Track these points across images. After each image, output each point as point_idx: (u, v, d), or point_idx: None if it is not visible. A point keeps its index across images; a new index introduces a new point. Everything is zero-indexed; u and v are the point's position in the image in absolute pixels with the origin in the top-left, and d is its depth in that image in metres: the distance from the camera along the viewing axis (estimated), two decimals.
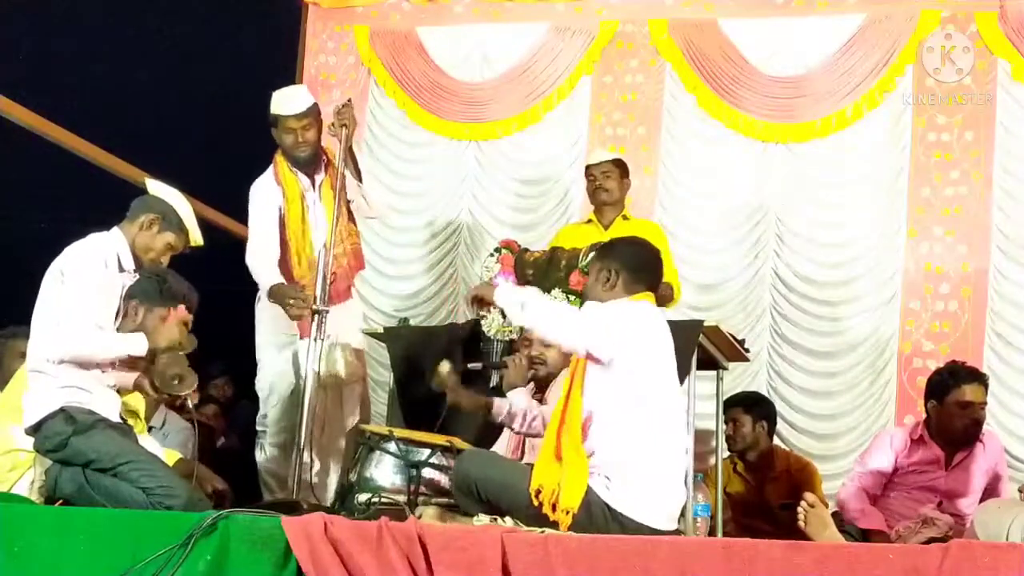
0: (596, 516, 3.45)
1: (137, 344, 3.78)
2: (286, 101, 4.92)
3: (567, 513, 3.42)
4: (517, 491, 3.51)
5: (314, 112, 4.91)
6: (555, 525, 3.41)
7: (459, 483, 3.64)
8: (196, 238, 4.03)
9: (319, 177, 4.92)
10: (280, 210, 4.89)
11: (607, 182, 5.36)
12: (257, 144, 6.96)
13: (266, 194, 4.95)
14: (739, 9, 6.38)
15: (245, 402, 7.12)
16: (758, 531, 4.95)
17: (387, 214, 5.37)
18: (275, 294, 4.69)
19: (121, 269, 3.88)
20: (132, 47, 7.14)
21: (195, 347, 3.90)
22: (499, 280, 3.61)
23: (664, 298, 4.94)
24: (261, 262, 4.84)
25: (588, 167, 5.46)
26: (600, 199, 5.38)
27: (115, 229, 3.95)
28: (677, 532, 3.74)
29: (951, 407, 4.55)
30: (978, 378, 4.61)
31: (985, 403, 4.58)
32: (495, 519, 3.45)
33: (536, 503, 3.46)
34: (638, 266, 3.76)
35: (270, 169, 4.98)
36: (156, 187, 4.04)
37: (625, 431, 3.51)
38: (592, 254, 3.92)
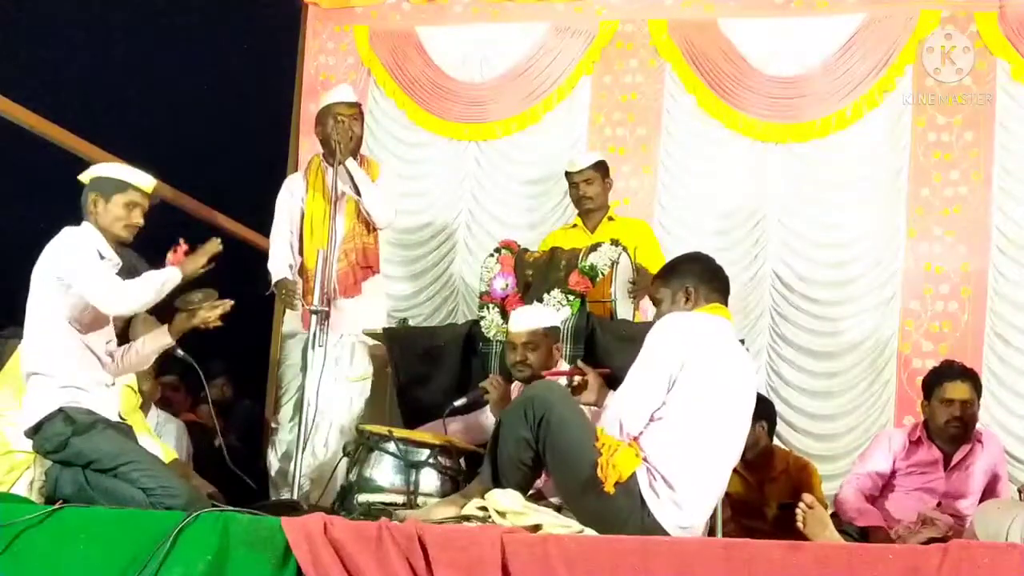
0: (631, 504, 3.43)
1: (172, 275, 3.91)
2: (338, 91, 5.24)
3: (616, 473, 3.39)
4: (578, 438, 3.47)
5: (362, 110, 5.21)
6: (594, 486, 3.39)
7: (530, 406, 3.55)
8: (141, 183, 3.96)
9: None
10: (302, 203, 5.00)
11: (589, 189, 5.42)
12: (258, 144, 6.98)
13: (289, 190, 5.19)
14: (739, 9, 6.37)
15: (246, 402, 7.14)
16: (758, 531, 4.95)
17: (393, 225, 5.47)
18: (276, 287, 4.99)
19: (101, 258, 3.89)
20: (132, 47, 7.14)
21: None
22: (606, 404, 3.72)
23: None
24: (272, 255, 5.11)
25: (569, 173, 5.49)
26: (584, 207, 5.44)
27: (84, 224, 3.93)
28: None
29: (935, 405, 4.60)
30: (964, 376, 4.62)
31: (970, 401, 4.57)
32: (485, 513, 3.43)
33: (597, 450, 3.42)
34: (711, 277, 3.77)
35: (303, 168, 5.16)
36: (85, 175, 4.02)
37: (680, 443, 3.48)
38: (657, 277, 3.90)
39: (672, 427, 3.50)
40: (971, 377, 4.64)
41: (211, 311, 4.04)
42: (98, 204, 3.91)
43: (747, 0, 6.37)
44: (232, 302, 4.05)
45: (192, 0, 7.23)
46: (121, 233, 3.93)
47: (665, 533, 3.43)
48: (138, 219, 3.94)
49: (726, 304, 3.77)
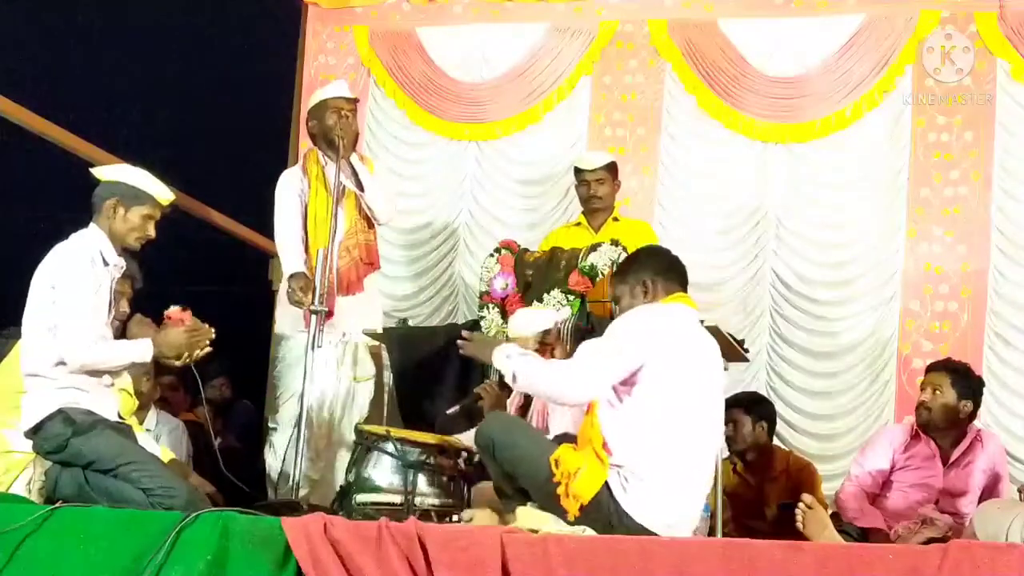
0: (606, 515, 3.42)
1: (143, 351, 3.81)
2: (334, 87, 5.18)
3: (577, 502, 3.39)
4: (534, 461, 3.49)
5: (357, 105, 5.17)
6: (564, 512, 3.41)
7: (481, 444, 3.63)
8: (164, 197, 3.96)
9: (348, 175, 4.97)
10: (303, 198, 4.97)
11: (600, 188, 5.41)
12: (257, 144, 6.99)
13: (289, 184, 5.08)
14: (739, 9, 6.37)
15: (245, 402, 7.14)
16: (758, 531, 4.95)
17: (395, 220, 5.46)
18: (291, 281, 4.82)
19: (105, 264, 3.88)
20: (132, 48, 7.15)
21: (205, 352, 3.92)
22: (501, 348, 3.58)
23: None
24: (282, 250, 4.98)
25: (580, 170, 5.47)
26: (593, 206, 5.43)
27: (92, 226, 3.92)
28: None
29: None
30: (946, 368, 4.67)
31: (941, 389, 4.59)
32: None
33: (552, 473, 3.43)
34: (668, 268, 3.77)
35: (299, 162, 5.10)
36: (102, 172, 4.01)
37: (649, 435, 3.45)
38: (615, 275, 3.89)
39: (642, 423, 3.45)
40: (954, 371, 4.65)
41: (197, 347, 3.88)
42: (117, 210, 3.89)
43: (747, 0, 6.37)
44: (212, 332, 3.90)
45: (192, 0, 7.24)
46: (133, 244, 3.94)
47: (651, 532, 3.41)
48: (152, 232, 3.95)
49: (686, 291, 3.77)
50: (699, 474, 3.56)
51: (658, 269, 3.73)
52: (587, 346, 3.58)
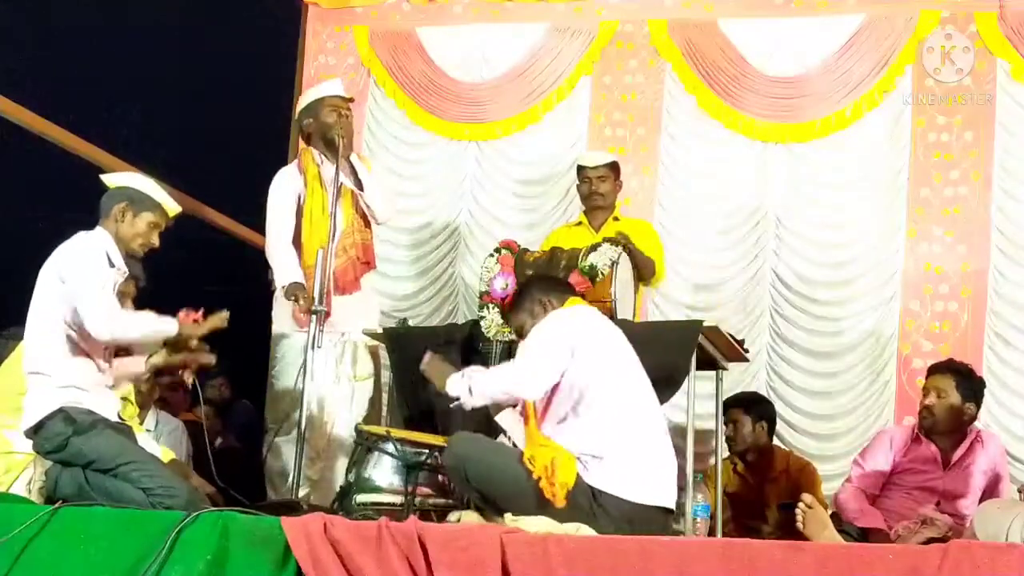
0: (580, 499, 3.54)
1: (168, 325, 3.86)
2: (330, 85, 5.19)
3: (564, 488, 3.52)
4: (509, 470, 3.59)
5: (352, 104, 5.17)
6: (546, 505, 3.48)
7: (451, 465, 3.73)
8: (172, 207, 4.04)
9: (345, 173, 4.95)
10: (300, 199, 4.95)
11: (602, 186, 5.41)
12: (258, 144, 6.98)
13: (286, 183, 5.03)
14: (739, 9, 6.37)
15: (244, 402, 7.13)
16: (758, 531, 4.96)
17: (393, 219, 5.45)
18: (288, 292, 4.77)
19: (111, 265, 3.89)
20: (132, 47, 7.14)
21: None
22: (456, 373, 3.85)
23: (647, 271, 5.07)
24: (277, 256, 4.93)
25: (583, 168, 5.47)
26: (594, 204, 5.42)
27: (98, 228, 3.95)
28: (676, 532, 3.76)
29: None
30: (948, 370, 4.68)
31: (945, 392, 4.61)
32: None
33: (530, 471, 3.54)
34: (551, 283, 4.07)
35: (294, 161, 5.07)
36: (112, 179, 4.07)
37: (591, 416, 3.64)
38: (510, 312, 4.12)
39: (592, 421, 3.64)
40: (957, 373, 4.66)
41: (194, 357, 3.98)
42: (126, 215, 3.93)
43: (747, 0, 6.37)
44: (213, 358, 4.01)
45: (192, 0, 7.23)
46: (137, 250, 3.98)
47: (625, 501, 3.52)
48: (156, 241, 4.00)
49: (576, 295, 4.06)
50: (650, 439, 3.71)
51: (545, 288, 4.01)
52: (522, 345, 3.82)
